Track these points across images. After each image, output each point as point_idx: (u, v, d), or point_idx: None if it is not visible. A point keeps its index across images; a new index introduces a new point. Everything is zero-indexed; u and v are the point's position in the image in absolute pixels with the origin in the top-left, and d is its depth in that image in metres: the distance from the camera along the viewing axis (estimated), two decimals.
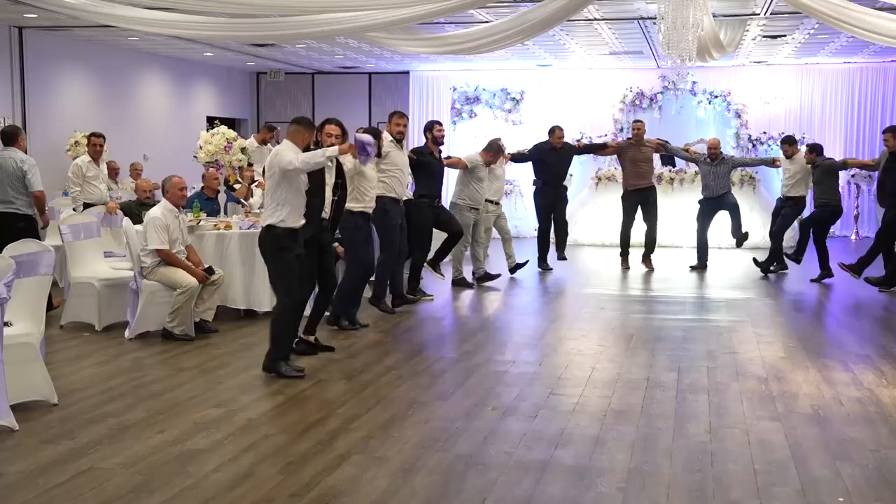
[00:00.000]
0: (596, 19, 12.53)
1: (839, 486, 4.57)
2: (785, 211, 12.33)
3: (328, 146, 7.15)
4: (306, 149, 6.83)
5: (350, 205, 8.17)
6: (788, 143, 12.42)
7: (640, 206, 12.89)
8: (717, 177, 12.75)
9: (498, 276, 11.62)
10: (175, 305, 7.93)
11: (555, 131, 12.54)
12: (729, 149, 17.56)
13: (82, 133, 11.37)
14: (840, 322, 9.55)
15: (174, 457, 4.98)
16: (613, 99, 18.33)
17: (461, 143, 18.14)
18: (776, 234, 12.40)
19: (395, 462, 4.89)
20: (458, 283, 11.30)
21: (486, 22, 11.38)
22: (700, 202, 13.05)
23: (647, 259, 13.02)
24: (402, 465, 4.85)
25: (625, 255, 13.12)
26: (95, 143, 11.00)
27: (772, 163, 13.11)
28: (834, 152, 17.38)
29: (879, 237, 11.02)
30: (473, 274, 11.57)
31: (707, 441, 5.29)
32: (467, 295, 10.81)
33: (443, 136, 10.38)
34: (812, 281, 11.69)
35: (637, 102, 18.23)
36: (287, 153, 6.61)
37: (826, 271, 11.65)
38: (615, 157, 14.20)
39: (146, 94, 17.10)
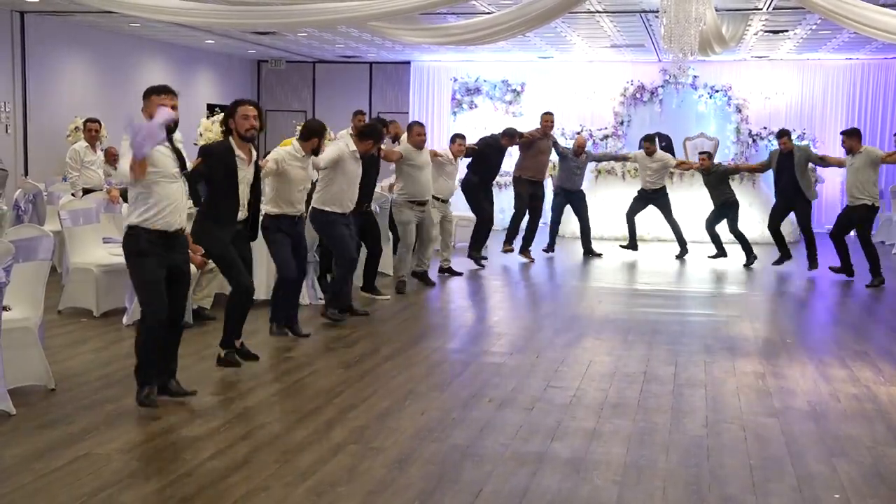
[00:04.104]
0: (598, 12, 12.51)
1: (835, 483, 4.58)
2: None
3: (246, 131, 6.32)
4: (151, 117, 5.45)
5: (266, 207, 7.34)
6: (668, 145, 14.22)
7: (530, 198, 12.74)
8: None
9: (433, 284, 10.52)
10: None
11: (512, 133, 12.07)
12: (729, 143, 17.64)
13: (83, 119, 11.39)
14: (838, 319, 9.56)
15: (170, 443, 4.99)
16: (614, 92, 18.27)
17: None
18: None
19: (391, 452, 4.89)
20: (398, 287, 10.01)
21: (488, 13, 11.35)
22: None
23: (526, 251, 12.77)
24: (398, 455, 4.85)
25: (511, 240, 12.83)
26: (91, 129, 11.07)
27: (624, 158, 14.44)
28: (833, 148, 17.36)
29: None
30: (413, 272, 10.33)
31: (703, 436, 5.30)
32: (463, 287, 10.79)
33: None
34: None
35: (638, 96, 18.18)
36: (124, 160, 5.34)
37: (721, 251, 13.02)
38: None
39: (147, 80, 16.87)
